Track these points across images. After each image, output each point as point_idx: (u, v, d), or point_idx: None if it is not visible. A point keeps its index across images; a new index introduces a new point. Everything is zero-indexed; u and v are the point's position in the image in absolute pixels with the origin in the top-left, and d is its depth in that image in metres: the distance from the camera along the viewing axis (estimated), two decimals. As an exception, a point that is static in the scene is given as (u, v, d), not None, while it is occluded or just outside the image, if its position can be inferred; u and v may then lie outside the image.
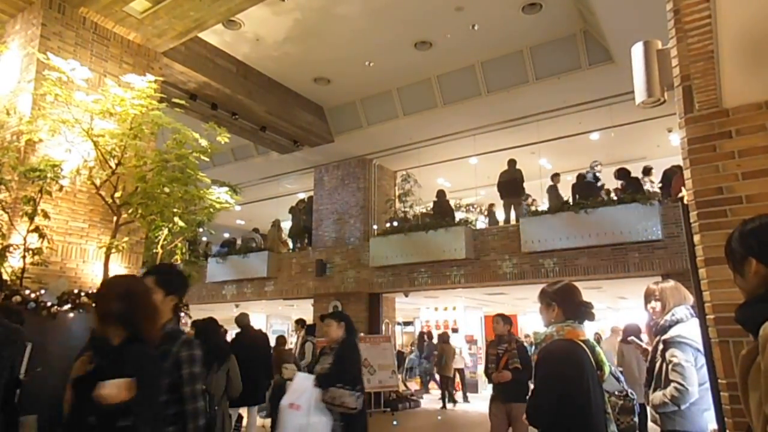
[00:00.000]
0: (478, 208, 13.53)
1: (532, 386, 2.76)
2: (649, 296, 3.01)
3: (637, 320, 7.21)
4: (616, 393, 2.95)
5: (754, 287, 1.44)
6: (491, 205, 12.77)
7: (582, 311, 2.55)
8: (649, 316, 3.00)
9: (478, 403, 12.44)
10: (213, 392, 4.31)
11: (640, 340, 4.32)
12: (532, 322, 17.70)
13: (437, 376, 13.06)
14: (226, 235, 16.18)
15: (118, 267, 5.70)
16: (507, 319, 5.55)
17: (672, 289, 2.96)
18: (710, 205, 2.27)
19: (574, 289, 2.60)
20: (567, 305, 2.54)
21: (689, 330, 2.74)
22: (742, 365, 1.38)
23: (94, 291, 5.13)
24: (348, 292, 11.72)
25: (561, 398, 2.33)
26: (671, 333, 2.78)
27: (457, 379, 12.97)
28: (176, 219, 5.26)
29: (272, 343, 9.05)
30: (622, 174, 9.73)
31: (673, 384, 2.71)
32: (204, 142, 5.35)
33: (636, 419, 2.96)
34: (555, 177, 10.75)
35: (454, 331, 14.98)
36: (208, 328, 4.99)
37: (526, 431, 4.62)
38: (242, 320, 6.83)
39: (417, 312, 16.62)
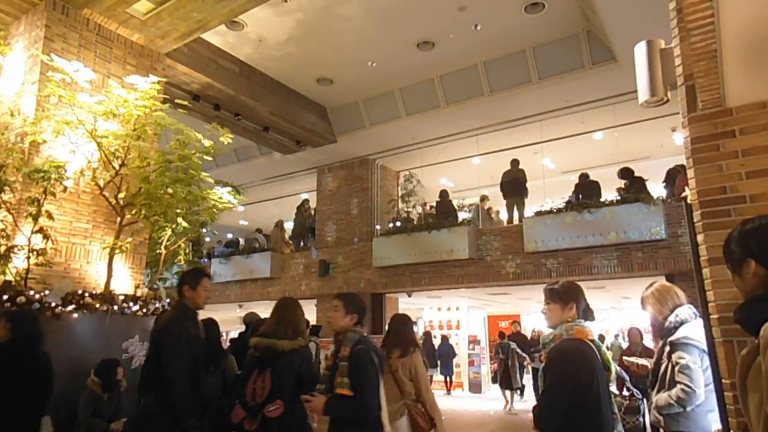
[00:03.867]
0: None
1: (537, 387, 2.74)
2: (643, 303, 3.02)
3: (640, 321, 7.21)
4: (622, 393, 2.95)
5: (753, 288, 1.43)
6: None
7: (589, 311, 2.56)
8: (652, 318, 2.99)
9: (481, 403, 12.46)
10: (210, 394, 4.29)
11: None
12: (535, 321, 17.69)
13: None
14: (229, 236, 16.23)
15: (122, 267, 5.71)
16: (354, 303, 3.14)
17: (661, 291, 2.95)
18: (714, 205, 2.26)
19: (581, 288, 2.62)
20: (581, 305, 2.55)
21: (695, 331, 2.72)
22: (742, 366, 1.37)
23: (98, 291, 5.15)
24: (351, 293, 11.70)
25: (572, 400, 2.31)
26: (677, 335, 2.77)
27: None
28: (179, 219, 5.28)
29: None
30: (625, 174, 9.71)
31: (679, 386, 2.69)
32: (207, 143, 5.36)
33: (641, 419, 2.96)
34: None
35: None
36: (209, 328, 4.96)
37: None
38: (251, 319, 6.81)
39: (420, 312, 16.62)
